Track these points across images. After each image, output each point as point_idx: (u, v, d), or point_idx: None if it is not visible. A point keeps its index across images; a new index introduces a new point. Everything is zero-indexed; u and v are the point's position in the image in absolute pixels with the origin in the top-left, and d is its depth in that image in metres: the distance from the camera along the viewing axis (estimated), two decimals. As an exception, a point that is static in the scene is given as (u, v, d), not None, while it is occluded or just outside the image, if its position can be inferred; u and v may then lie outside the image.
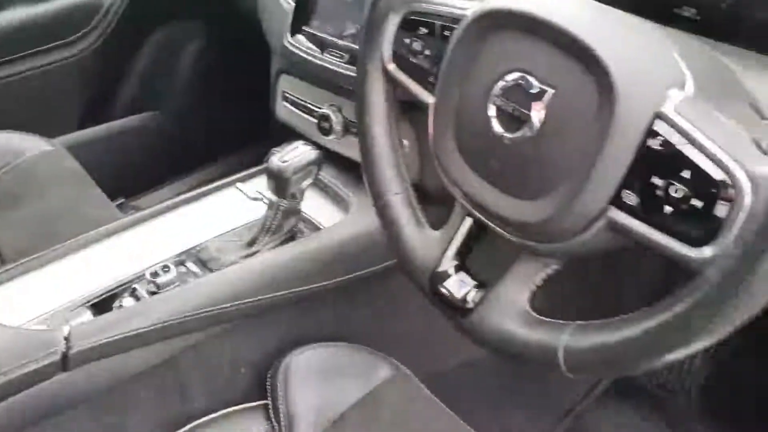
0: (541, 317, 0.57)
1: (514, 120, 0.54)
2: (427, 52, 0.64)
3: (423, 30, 0.64)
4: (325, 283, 0.95)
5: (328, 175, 1.09)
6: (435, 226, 0.68)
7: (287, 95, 1.19)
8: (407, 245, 0.67)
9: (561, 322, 0.55)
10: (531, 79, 0.53)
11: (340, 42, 1.03)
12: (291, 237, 0.98)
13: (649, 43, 0.51)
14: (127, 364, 0.82)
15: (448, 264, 0.64)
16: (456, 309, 0.62)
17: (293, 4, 1.10)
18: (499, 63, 0.55)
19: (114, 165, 1.55)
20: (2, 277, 0.91)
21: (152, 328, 0.81)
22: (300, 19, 1.09)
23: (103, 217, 1.05)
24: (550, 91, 0.52)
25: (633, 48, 0.50)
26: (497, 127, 0.55)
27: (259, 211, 0.99)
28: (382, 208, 0.70)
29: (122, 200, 1.50)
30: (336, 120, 1.06)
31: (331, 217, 1.05)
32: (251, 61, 1.32)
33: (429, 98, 0.64)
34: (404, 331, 1.09)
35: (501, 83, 0.55)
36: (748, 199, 0.43)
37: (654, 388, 1.34)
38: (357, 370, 0.91)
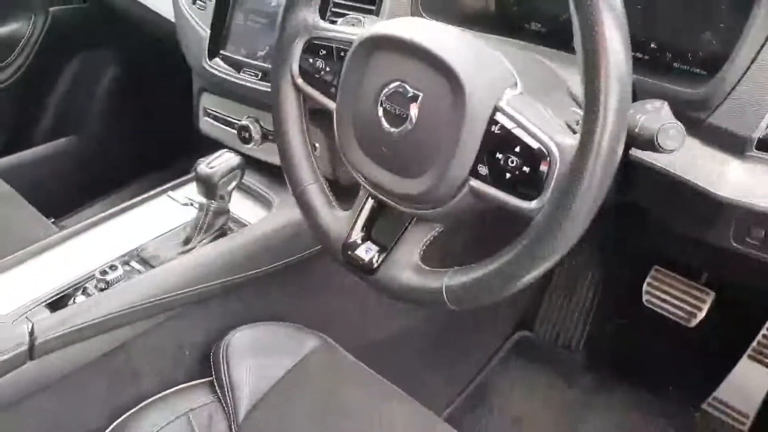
0: (429, 268, 0.73)
1: (397, 118, 0.69)
2: (327, 69, 0.79)
3: (323, 51, 0.79)
4: (254, 271, 1.07)
5: (251, 179, 1.20)
6: (345, 210, 0.82)
7: (209, 111, 1.29)
8: (322, 223, 0.81)
9: (443, 270, 0.71)
10: (406, 86, 0.68)
11: (254, 62, 1.15)
12: (222, 234, 1.08)
13: (489, 56, 0.68)
14: (84, 353, 0.91)
15: (356, 235, 0.78)
16: (364, 270, 0.77)
17: (209, 32, 1.20)
18: (382, 75, 0.70)
19: (41, 188, 1.58)
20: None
21: (106, 318, 0.91)
22: (216, 44, 1.21)
23: (42, 234, 1.10)
24: (421, 95, 0.67)
25: (477, 61, 0.66)
26: (385, 124, 0.70)
27: (191, 215, 1.08)
28: (300, 196, 0.84)
29: (52, 221, 1.51)
30: (255, 130, 1.17)
31: (256, 215, 1.15)
32: (172, 82, 1.41)
33: (332, 105, 0.78)
34: (330, 309, 1.22)
35: (385, 90, 0.70)
36: (557, 163, 0.60)
37: (549, 347, 1.55)
38: (287, 344, 1.03)
